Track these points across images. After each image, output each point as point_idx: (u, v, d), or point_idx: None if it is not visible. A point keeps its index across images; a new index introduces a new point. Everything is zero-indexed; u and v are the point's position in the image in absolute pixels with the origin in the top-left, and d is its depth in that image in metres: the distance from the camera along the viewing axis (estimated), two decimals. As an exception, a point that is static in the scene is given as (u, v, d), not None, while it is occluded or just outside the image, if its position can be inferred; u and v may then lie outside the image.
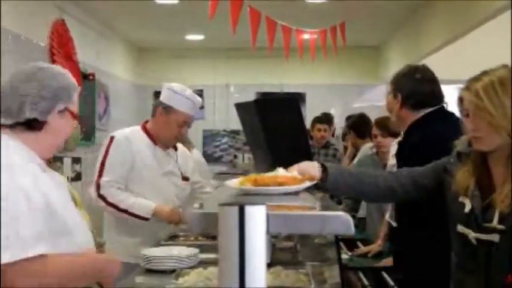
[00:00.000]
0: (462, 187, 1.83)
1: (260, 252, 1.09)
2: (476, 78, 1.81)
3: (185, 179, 3.22)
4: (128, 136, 3.00)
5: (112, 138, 2.97)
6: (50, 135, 1.69)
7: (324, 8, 6.01)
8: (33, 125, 1.66)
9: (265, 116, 2.20)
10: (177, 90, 3.00)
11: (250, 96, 8.67)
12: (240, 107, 2.47)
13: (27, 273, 1.48)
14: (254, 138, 2.45)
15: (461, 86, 1.85)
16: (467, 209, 1.79)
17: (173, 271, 2.40)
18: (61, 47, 5.06)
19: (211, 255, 2.69)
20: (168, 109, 2.98)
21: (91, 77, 5.82)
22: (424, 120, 2.44)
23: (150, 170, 2.98)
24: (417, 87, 2.45)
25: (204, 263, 2.51)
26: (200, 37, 7.81)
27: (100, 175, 2.91)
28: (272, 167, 2.33)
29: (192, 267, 2.44)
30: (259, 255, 1.09)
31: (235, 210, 1.09)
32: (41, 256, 1.49)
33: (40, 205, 1.55)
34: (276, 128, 2.19)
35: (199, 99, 3.08)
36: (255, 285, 1.08)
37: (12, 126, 1.66)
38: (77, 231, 1.68)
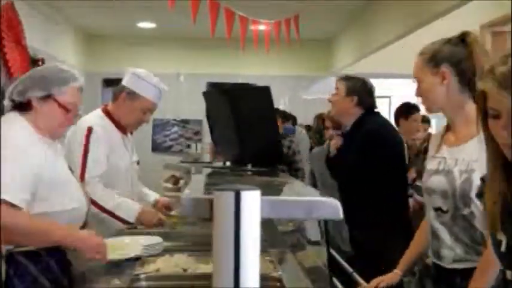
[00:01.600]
0: (494, 219, 1.35)
1: (255, 236, 1.13)
2: (501, 63, 1.23)
3: (138, 163, 3.19)
4: (104, 125, 2.87)
5: (90, 129, 2.79)
6: (39, 119, 2.01)
7: (279, 1, 6.06)
8: (22, 107, 2.01)
9: (236, 105, 2.23)
10: (143, 77, 2.91)
11: (201, 86, 8.64)
12: (209, 96, 2.49)
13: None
14: (222, 127, 2.47)
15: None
16: (503, 247, 1.35)
17: (137, 260, 2.39)
18: (10, 30, 4.89)
19: (174, 243, 2.72)
20: (133, 95, 2.89)
21: (40, 63, 5.66)
22: None
23: (124, 160, 2.92)
24: None
25: (168, 251, 2.52)
26: (152, 25, 7.73)
27: (83, 170, 2.71)
28: (240, 156, 2.37)
29: (157, 255, 2.45)
30: (254, 239, 1.12)
31: (231, 195, 1.12)
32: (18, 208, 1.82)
33: (35, 168, 1.92)
34: (246, 117, 2.22)
35: (165, 87, 3.00)
36: (250, 269, 1.12)
37: (13, 109, 2.03)
38: (71, 189, 2.07)
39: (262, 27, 5.73)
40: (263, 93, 2.16)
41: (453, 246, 1.90)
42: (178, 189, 5.43)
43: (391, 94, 10.63)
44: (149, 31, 8.06)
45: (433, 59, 1.96)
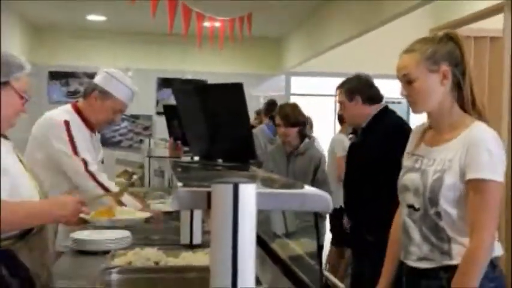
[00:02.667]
0: None
1: (251, 227, 1.18)
2: None
3: (102, 162, 3.20)
4: (75, 121, 2.88)
5: (67, 123, 2.82)
6: None
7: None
8: None
9: (207, 102, 2.27)
10: (117, 77, 2.93)
11: (151, 81, 8.61)
12: (179, 93, 2.52)
13: None
14: (192, 125, 2.50)
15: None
16: None
17: (106, 253, 2.40)
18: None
19: (139, 236, 2.73)
20: (104, 94, 2.90)
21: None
22: None
23: (91, 157, 2.92)
24: None
25: (136, 244, 2.54)
26: (102, 18, 7.62)
27: (86, 165, 2.79)
28: (211, 152, 2.42)
29: (126, 248, 2.47)
30: (250, 229, 1.18)
31: (229, 187, 1.17)
32: None
33: None
34: (218, 114, 2.26)
35: (136, 88, 3.04)
36: (247, 258, 1.17)
37: None
38: (25, 190, 1.94)
39: (216, 24, 5.77)
40: (235, 90, 2.21)
41: (420, 244, 1.93)
42: (132, 184, 5.40)
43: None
44: (99, 24, 7.94)
45: (433, 56, 1.88)
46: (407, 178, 1.98)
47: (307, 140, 3.98)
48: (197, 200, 1.24)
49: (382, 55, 7.48)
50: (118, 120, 3.03)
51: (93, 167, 2.82)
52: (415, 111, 1.98)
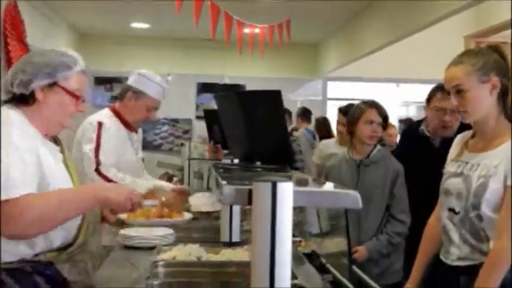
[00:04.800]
0: None
1: (288, 221, 1.32)
2: None
3: (142, 160, 3.41)
4: (112, 123, 3.09)
5: (100, 123, 3.02)
6: (45, 110, 1.82)
7: (271, 6, 6.27)
8: (24, 100, 1.81)
9: (246, 108, 2.41)
10: (148, 76, 3.14)
11: (191, 86, 8.84)
12: (220, 98, 2.67)
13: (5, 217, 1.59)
14: (233, 129, 2.64)
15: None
16: None
17: (151, 248, 2.56)
18: (13, 29, 5.03)
19: (182, 234, 2.89)
20: (138, 94, 3.11)
21: (39, 60, 5.78)
22: None
23: (130, 156, 3.12)
24: None
25: (179, 242, 2.70)
26: (145, 26, 7.87)
27: (97, 161, 2.93)
28: (250, 154, 2.56)
29: (170, 245, 2.63)
30: (287, 223, 1.32)
31: (268, 185, 1.32)
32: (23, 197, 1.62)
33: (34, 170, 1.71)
34: (256, 121, 2.40)
35: (167, 85, 3.24)
36: (284, 249, 1.31)
37: (11, 102, 1.82)
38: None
39: (256, 31, 5.92)
40: (274, 97, 2.33)
41: (460, 246, 2.05)
42: (172, 187, 5.58)
43: (374, 98, 10.97)
44: (142, 31, 8.20)
45: (483, 67, 1.97)
46: (450, 182, 2.09)
47: (379, 146, 3.31)
48: (239, 197, 1.38)
49: (416, 61, 7.56)
50: (153, 118, 3.20)
51: (106, 169, 2.91)
52: (465, 120, 2.09)
